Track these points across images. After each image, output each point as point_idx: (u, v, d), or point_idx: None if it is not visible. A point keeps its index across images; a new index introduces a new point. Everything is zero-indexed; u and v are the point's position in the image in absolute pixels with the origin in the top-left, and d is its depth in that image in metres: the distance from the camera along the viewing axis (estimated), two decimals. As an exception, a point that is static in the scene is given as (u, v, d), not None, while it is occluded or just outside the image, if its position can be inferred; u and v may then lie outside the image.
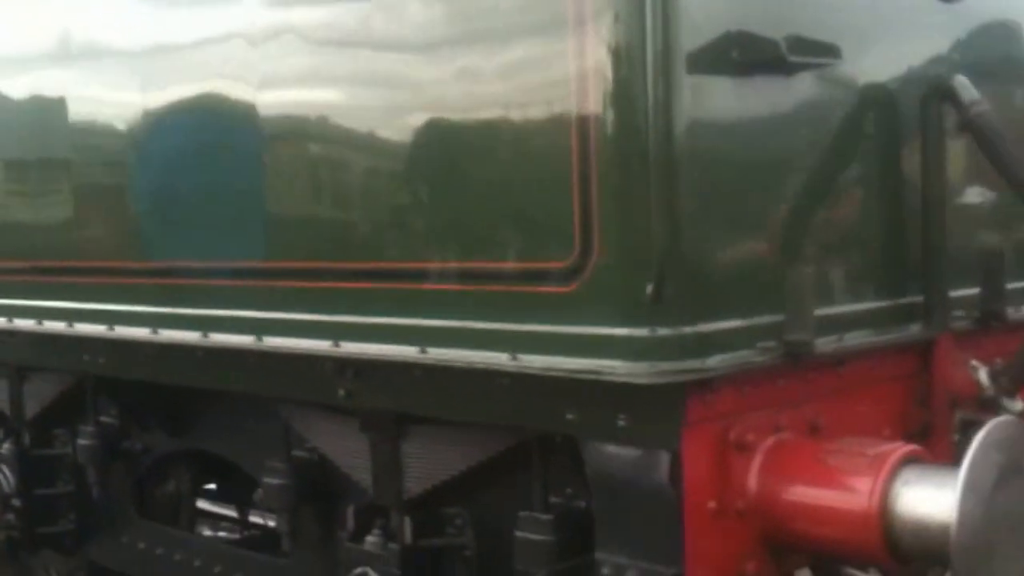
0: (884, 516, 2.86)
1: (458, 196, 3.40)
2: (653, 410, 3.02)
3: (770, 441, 3.13)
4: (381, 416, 3.86)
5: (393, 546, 3.88)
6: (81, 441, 5.39)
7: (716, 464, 3.05)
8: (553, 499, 3.54)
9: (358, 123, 3.69)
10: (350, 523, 4.11)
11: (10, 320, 5.24)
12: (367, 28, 3.61)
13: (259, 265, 4.02)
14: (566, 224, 3.10)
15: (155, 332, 4.43)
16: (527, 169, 3.22)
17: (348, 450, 4.07)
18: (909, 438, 3.65)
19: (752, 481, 3.09)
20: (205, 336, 4.20)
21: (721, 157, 3.11)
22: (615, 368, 2.97)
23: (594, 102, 3.03)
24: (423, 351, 3.44)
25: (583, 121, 3.05)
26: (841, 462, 2.97)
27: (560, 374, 3.07)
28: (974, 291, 3.79)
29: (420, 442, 3.83)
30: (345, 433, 4.05)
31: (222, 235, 4.20)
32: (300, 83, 3.84)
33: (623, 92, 2.99)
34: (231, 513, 6.49)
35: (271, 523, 5.49)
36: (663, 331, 2.98)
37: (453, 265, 3.39)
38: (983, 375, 3.62)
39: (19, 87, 5.18)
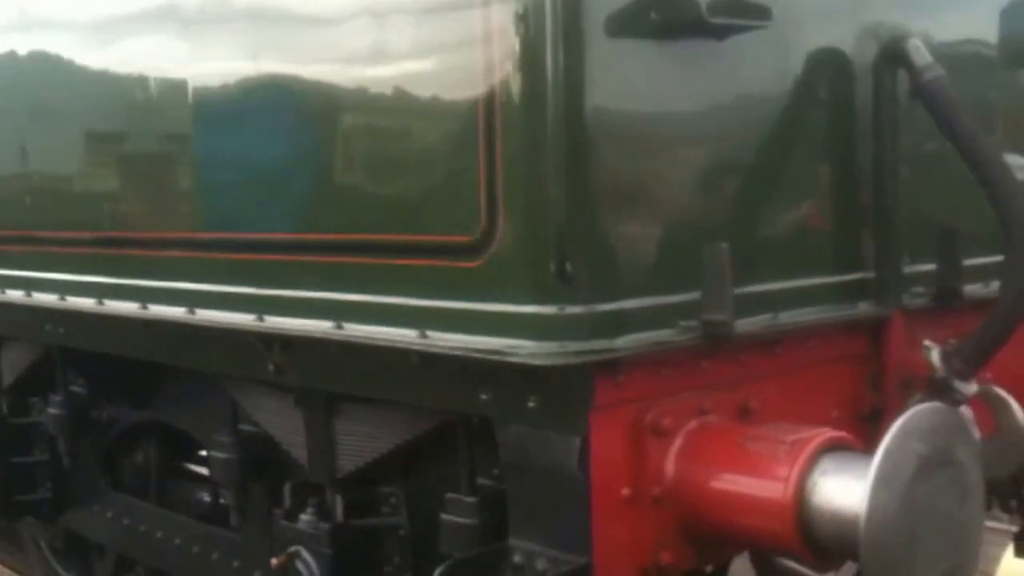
0: (800, 507, 2.69)
1: (368, 166, 3.26)
2: (562, 392, 2.87)
3: (690, 426, 2.97)
4: (314, 392, 3.75)
5: (324, 525, 3.77)
6: (50, 410, 5.35)
7: (630, 449, 2.89)
8: (481, 481, 3.40)
9: (276, 95, 3.55)
10: (286, 500, 4.00)
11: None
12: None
13: (191, 236, 3.92)
14: (473, 196, 2.94)
15: (100, 303, 4.35)
16: (435, 139, 3.07)
17: (286, 426, 3.97)
18: (860, 421, 3.50)
19: (669, 467, 2.93)
20: (144, 308, 4.11)
21: (637, 127, 2.92)
22: (517, 348, 2.82)
23: (499, 67, 2.86)
24: (339, 326, 3.31)
25: (489, 88, 2.88)
26: (759, 449, 2.80)
27: (461, 353, 2.93)
28: (931, 268, 3.59)
29: (352, 419, 3.72)
30: (283, 409, 3.95)
31: (159, 205, 4.11)
32: (223, 56, 3.72)
33: (527, 56, 2.81)
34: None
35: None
36: (573, 309, 2.82)
37: (365, 238, 3.25)
38: (935, 356, 3.41)
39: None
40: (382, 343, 3.13)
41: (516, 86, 2.83)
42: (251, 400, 4.12)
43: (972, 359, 3.36)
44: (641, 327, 2.90)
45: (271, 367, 3.72)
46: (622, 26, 2.86)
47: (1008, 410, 3.51)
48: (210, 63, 3.78)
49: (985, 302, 3.68)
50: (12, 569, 6.60)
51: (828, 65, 3.39)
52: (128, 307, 4.18)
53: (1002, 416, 3.52)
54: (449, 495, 3.38)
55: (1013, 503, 3.87)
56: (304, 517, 3.86)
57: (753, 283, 3.14)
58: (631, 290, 2.91)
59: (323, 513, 3.85)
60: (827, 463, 2.72)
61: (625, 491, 2.89)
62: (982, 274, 3.67)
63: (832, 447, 2.77)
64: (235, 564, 4.47)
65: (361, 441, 3.71)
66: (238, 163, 3.71)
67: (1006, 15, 3.94)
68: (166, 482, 5.43)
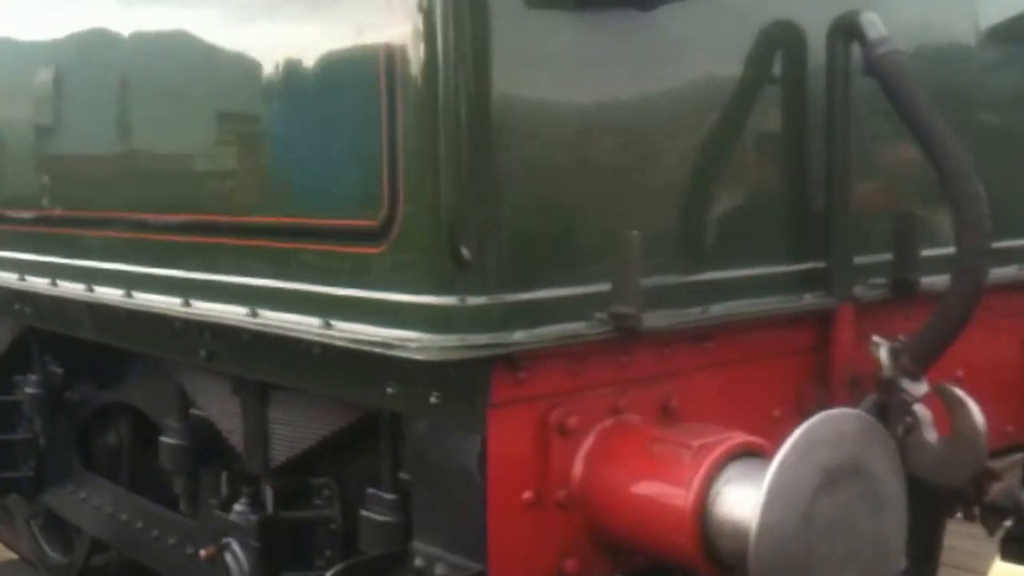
0: (701, 518, 2.51)
1: (276, 146, 3.12)
2: (461, 388, 2.72)
3: (602, 426, 2.80)
4: (247, 379, 3.64)
5: (253, 517, 3.67)
6: (27, 389, 5.31)
7: (533, 450, 2.73)
8: (404, 476, 3.27)
9: (184, 75, 3.44)
10: (223, 489, 3.90)
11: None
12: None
13: (127, 216, 3.81)
14: (375, 179, 2.79)
15: (54, 284, 4.27)
16: (340, 118, 2.91)
17: (225, 413, 3.86)
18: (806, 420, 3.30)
19: (577, 470, 2.76)
20: (90, 290, 4.02)
21: (549, 107, 2.75)
22: (411, 341, 2.67)
23: (398, 41, 2.70)
24: (254, 313, 3.18)
25: (389, 65, 2.73)
26: (664, 453, 2.62)
27: (353, 346, 2.78)
28: (885, 257, 3.38)
29: (284, 408, 3.60)
30: (222, 396, 3.84)
31: (99, 183, 4.02)
32: (126, 34, 3.63)
33: (425, 29, 2.65)
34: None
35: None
36: (476, 300, 2.66)
37: (276, 221, 3.12)
38: (883, 353, 3.20)
39: None
40: (284, 332, 3.00)
41: (413, 61, 2.67)
42: (194, 385, 4.02)
43: (921, 357, 3.16)
44: (552, 319, 2.74)
45: (203, 353, 3.61)
46: None
47: (965, 411, 3.28)
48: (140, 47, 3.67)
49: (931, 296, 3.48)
50: (6, 545, 6.61)
51: (774, 39, 3.19)
52: (75, 288, 4.10)
53: (958, 418, 3.30)
54: (370, 490, 3.26)
55: (976, 510, 3.65)
56: (237, 507, 3.76)
57: (680, 273, 2.97)
58: (541, 281, 2.74)
59: (257, 504, 3.75)
60: (734, 471, 2.53)
61: (527, 494, 2.73)
62: (947, 265, 3.45)
63: (743, 453, 2.59)
64: (188, 551, 4.39)
65: (293, 431, 3.59)
66: (162, 141, 3.60)
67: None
68: (139, 463, 5.37)
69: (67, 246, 4.19)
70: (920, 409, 3.33)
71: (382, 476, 3.26)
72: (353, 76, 2.84)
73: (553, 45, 2.76)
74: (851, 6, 3.20)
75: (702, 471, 2.52)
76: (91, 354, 4.92)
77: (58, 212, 4.22)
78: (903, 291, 3.36)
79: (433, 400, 2.78)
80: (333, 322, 2.90)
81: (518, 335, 2.65)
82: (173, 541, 4.50)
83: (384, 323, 2.79)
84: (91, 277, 4.01)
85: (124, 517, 4.90)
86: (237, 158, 3.29)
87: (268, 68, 3.08)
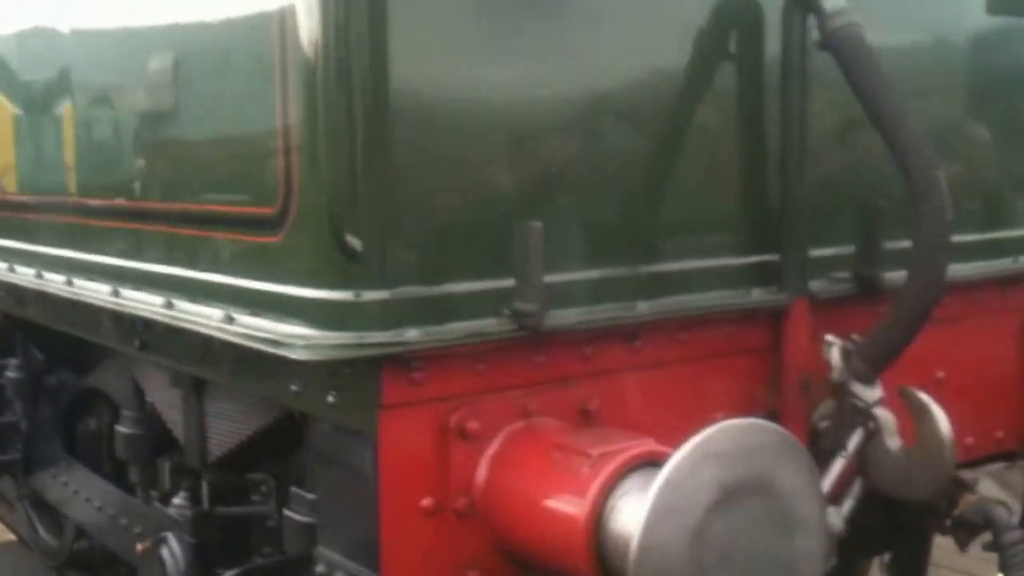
0: (595, 533, 2.31)
1: (180, 127, 2.98)
2: (354, 388, 2.56)
3: (508, 430, 2.61)
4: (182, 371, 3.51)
5: (187, 512, 3.54)
6: (8, 374, 5.27)
7: (433, 455, 2.55)
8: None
9: (97, 61, 3.30)
10: (166, 482, 3.79)
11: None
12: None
13: (62, 200, 3.70)
14: (273, 164, 2.63)
15: (11, 270, 4.19)
16: (241, 102, 2.76)
17: (169, 404, 3.74)
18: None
19: (480, 476, 2.58)
20: (39, 276, 3.93)
21: (456, 85, 2.55)
22: (297, 338, 2.51)
23: (290, 21, 2.53)
24: (169, 304, 3.04)
25: (282, 47, 2.55)
26: (564, 461, 2.43)
27: (242, 342, 2.63)
28: (847, 250, 3.13)
29: (219, 401, 3.46)
30: (165, 386, 3.72)
31: (38, 169, 3.92)
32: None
33: (317, 9, 2.46)
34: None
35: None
36: (371, 295, 2.49)
37: (186, 208, 2.98)
38: (835, 354, 2.97)
39: None
40: (184, 326, 2.85)
41: (303, 34, 2.49)
42: (142, 375, 3.91)
43: (874, 359, 2.92)
44: (459, 316, 2.56)
45: (137, 343, 3.49)
46: None
47: (929, 418, 3.03)
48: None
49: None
50: (8, 527, 6.61)
51: (722, 9, 2.94)
52: (28, 274, 4.02)
53: (922, 425, 3.05)
54: (293, 489, 3.10)
55: (948, 523, 3.39)
56: (175, 501, 3.64)
57: (602, 268, 2.76)
58: (445, 275, 2.56)
59: (196, 499, 3.62)
60: (633, 483, 2.33)
61: (426, 501, 2.55)
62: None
63: (647, 463, 2.38)
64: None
65: (227, 425, 3.46)
66: (83, 127, 3.48)
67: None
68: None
69: (20, 231, 4.11)
70: (882, 414, 3.09)
71: (305, 474, 3.11)
72: (253, 64, 2.67)
73: (459, 22, 2.57)
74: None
75: (597, 483, 2.32)
76: (68, 339, 4.86)
77: (10, 197, 4.13)
78: (866, 287, 3.11)
79: (330, 400, 2.62)
80: (237, 315, 2.75)
81: (411, 334, 2.47)
82: (139, 530, 4.41)
83: (283, 318, 2.64)
84: (41, 263, 3.92)
85: (98, 504, 4.83)
86: (146, 142, 3.16)
87: (170, 49, 2.94)
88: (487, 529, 2.58)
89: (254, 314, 2.72)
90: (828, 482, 3.02)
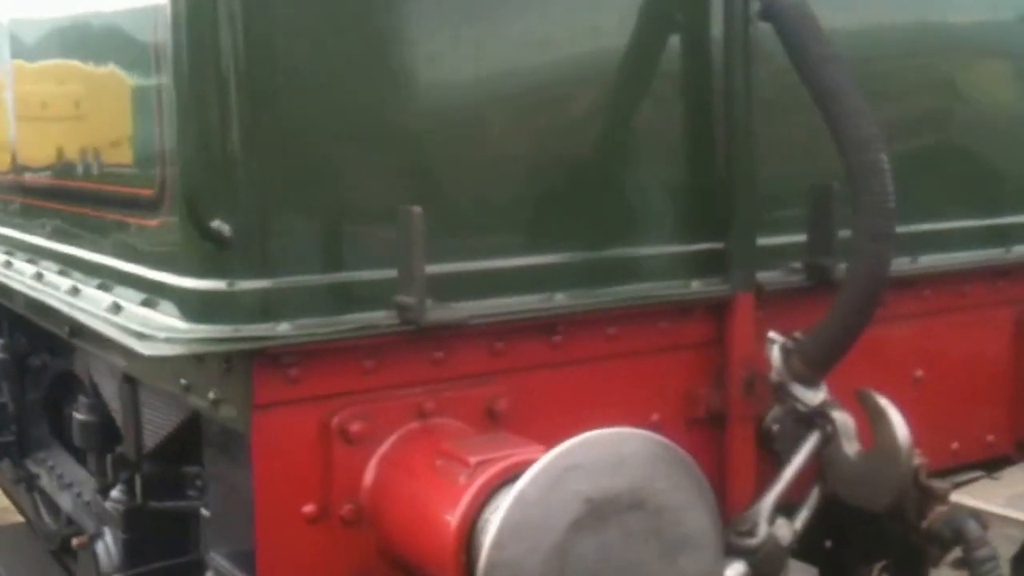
0: (466, 548, 2.10)
1: (72, 106, 2.82)
2: (230, 385, 2.38)
3: (400, 432, 2.42)
4: (116, 359, 3.37)
5: (119, 507, 3.41)
6: (-6, 355, 5.21)
7: (315, 458, 2.37)
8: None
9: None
10: (109, 474, 3.66)
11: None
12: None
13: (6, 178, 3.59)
14: (152, 141, 2.46)
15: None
16: (126, 78, 2.59)
17: (112, 393, 3.61)
18: (696, 426, 2.85)
19: (368, 481, 2.39)
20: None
21: (330, 61, 2.35)
22: (156, 331, 2.34)
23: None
24: (75, 290, 2.90)
25: (154, 20, 2.38)
26: (445, 469, 2.22)
27: (108, 332, 2.47)
28: (798, 239, 2.88)
29: (150, 391, 3.32)
30: (108, 374, 3.59)
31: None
32: None
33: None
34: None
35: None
36: (247, 285, 2.31)
37: (80, 187, 2.83)
38: (775, 352, 2.72)
39: None
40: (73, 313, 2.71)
41: (171, 19, 2.31)
42: (91, 361, 3.79)
43: (815, 359, 2.67)
44: (345, 309, 2.37)
45: (67, 328, 3.35)
46: None
47: (885, 423, 2.78)
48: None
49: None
50: (17, 507, 6.60)
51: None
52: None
53: (878, 431, 2.80)
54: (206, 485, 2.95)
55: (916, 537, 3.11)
56: (113, 494, 3.51)
57: (510, 256, 2.55)
58: (328, 264, 2.37)
59: (132, 491, 3.49)
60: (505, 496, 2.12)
61: (309, 507, 2.37)
62: None
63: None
64: None
65: (158, 415, 3.31)
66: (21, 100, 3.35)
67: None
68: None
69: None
70: (840, 417, 2.85)
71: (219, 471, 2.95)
72: (133, 38, 2.51)
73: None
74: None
75: (469, 494, 2.11)
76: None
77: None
78: (819, 278, 2.86)
79: (211, 396, 2.46)
80: (129, 304, 2.60)
81: (282, 328, 2.29)
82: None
83: (157, 305, 2.48)
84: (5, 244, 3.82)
85: (77, 491, 4.75)
86: (53, 116, 3.01)
87: (72, 33, 2.79)
88: (376, 537, 2.39)
89: (147, 304, 2.56)
90: (777, 490, 2.80)
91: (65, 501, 4.90)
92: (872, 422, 2.81)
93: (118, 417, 3.58)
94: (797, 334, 2.71)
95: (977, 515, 2.97)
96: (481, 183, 2.52)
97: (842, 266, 2.82)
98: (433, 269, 2.40)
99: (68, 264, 3.00)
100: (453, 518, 2.12)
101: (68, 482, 4.86)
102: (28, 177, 3.32)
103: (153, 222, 2.48)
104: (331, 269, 2.36)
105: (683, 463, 2.09)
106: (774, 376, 2.71)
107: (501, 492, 2.12)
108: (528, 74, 2.56)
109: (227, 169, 2.27)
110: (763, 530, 2.74)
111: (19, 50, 3.17)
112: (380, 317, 2.38)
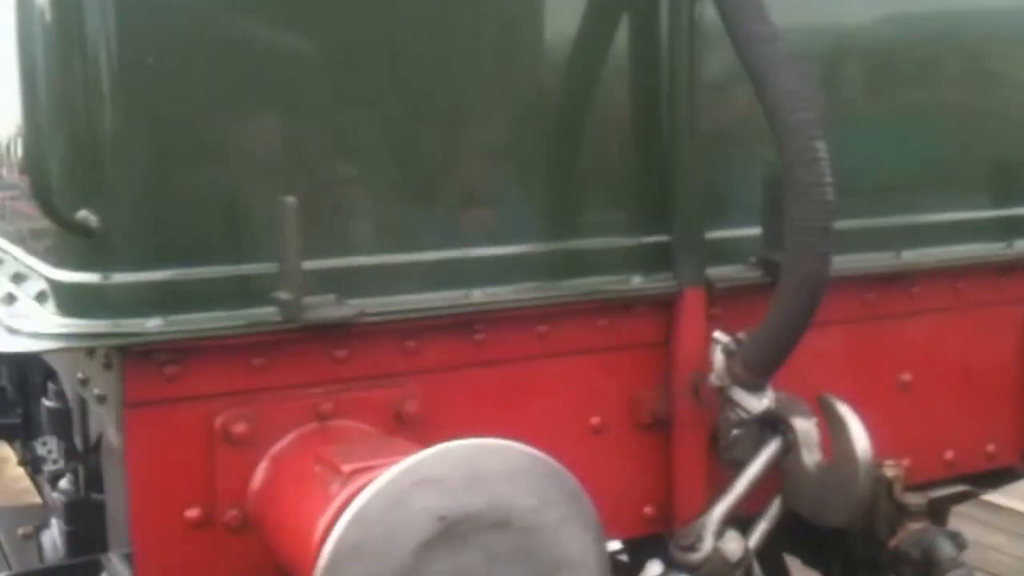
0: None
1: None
2: (108, 383, 2.24)
3: (292, 435, 2.24)
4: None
5: (63, 496, 3.31)
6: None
7: (198, 461, 2.21)
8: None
9: None
10: (61, 463, 3.57)
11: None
12: None
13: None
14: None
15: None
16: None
17: (70, 382, 3.51)
18: (640, 432, 2.64)
19: (256, 485, 2.22)
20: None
21: (198, 44, 2.16)
22: (25, 324, 2.19)
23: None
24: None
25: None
26: (322, 476, 2.04)
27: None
28: (751, 232, 2.64)
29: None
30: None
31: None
32: None
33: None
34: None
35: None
36: (120, 278, 2.16)
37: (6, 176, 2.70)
38: (718, 354, 2.49)
39: None
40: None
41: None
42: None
43: (756, 364, 2.43)
44: (232, 304, 2.20)
45: (12, 318, 3.25)
46: None
47: (844, 434, 2.54)
48: None
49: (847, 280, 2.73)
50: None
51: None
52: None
53: (836, 440, 2.56)
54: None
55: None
56: (61, 485, 3.42)
57: (423, 251, 2.35)
58: (206, 257, 2.19)
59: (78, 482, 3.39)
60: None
61: (192, 512, 2.22)
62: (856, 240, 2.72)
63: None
64: None
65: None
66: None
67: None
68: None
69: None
70: (801, 425, 2.62)
71: None
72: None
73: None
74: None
75: (335, 505, 1.93)
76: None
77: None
78: (774, 273, 2.61)
79: (96, 392, 2.32)
80: (20, 295, 2.46)
81: (152, 323, 2.13)
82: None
83: (51, 300, 2.33)
84: None
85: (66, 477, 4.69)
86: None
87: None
88: (263, 544, 2.23)
89: (40, 297, 2.42)
90: (727, 502, 2.58)
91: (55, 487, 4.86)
92: (832, 432, 2.57)
93: (74, 407, 3.48)
94: (741, 335, 2.48)
95: (954, 535, 2.70)
96: (386, 173, 2.32)
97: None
98: (330, 263, 2.24)
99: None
100: (318, 529, 1.94)
101: (61, 467, 4.80)
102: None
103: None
104: (212, 263, 2.19)
105: (556, 477, 1.89)
106: (714, 380, 2.48)
107: (372, 504, 1.94)
108: (441, 57, 2.36)
109: (92, 158, 2.11)
110: (708, 544, 2.52)
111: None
112: (268, 313, 2.20)
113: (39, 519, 3.52)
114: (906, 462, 2.99)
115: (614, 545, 2.84)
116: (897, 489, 2.75)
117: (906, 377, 2.99)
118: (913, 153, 2.92)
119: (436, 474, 1.77)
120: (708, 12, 2.48)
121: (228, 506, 2.21)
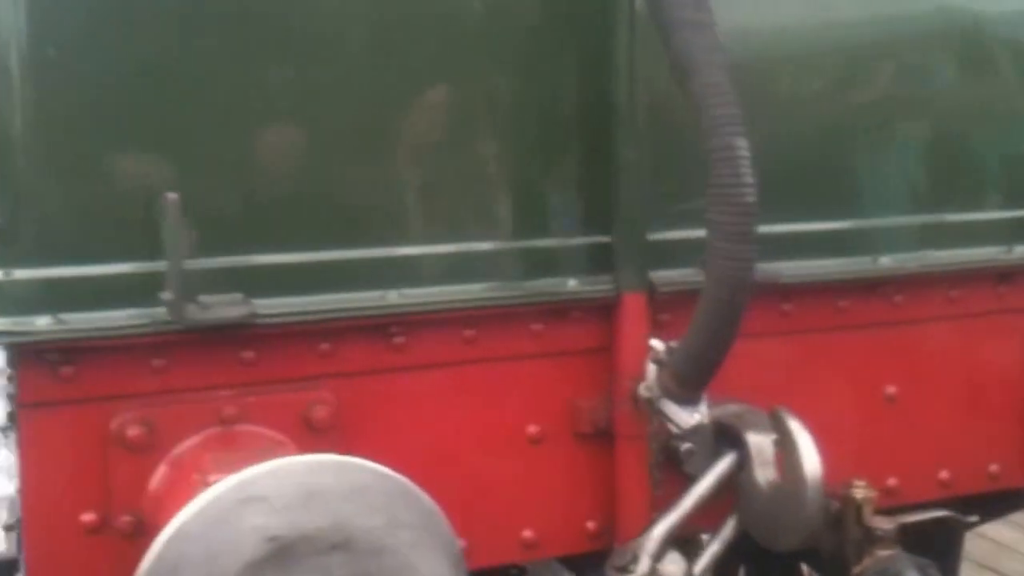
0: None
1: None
2: (14, 381, 2.20)
3: (192, 439, 2.18)
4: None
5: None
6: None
7: (93, 464, 2.15)
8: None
9: None
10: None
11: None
12: None
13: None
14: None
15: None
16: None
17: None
18: (583, 442, 2.51)
19: (153, 490, 2.16)
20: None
21: (97, 39, 2.10)
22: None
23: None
24: None
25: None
26: (196, 484, 1.97)
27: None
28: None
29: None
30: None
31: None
32: None
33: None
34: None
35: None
36: (17, 275, 2.12)
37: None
38: (649, 364, 2.34)
39: None
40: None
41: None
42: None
43: (684, 376, 2.28)
44: (130, 303, 2.14)
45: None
46: None
47: (793, 451, 2.37)
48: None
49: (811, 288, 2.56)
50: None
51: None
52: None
53: (787, 457, 2.39)
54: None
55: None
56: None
57: (333, 249, 2.26)
58: (103, 255, 2.13)
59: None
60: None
61: (87, 517, 2.16)
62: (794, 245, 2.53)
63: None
64: None
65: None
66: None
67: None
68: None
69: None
70: (754, 440, 2.46)
71: None
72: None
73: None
74: None
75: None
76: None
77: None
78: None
79: (9, 392, 2.28)
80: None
81: (41, 322, 2.08)
82: None
83: None
84: None
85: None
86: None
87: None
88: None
89: None
90: (670, 520, 2.43)
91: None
92: (783, 449, 2.40)
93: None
94: (673, 344, 2.33)
95: (924, 566, 2.50)
96: (300, 169, 2.24)
97: (779, 265, 2.44)
98: (235, 261, 2.17)
99: None
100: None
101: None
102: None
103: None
104: (106, 260, 2.13)
105: (407, 496, 1.78)
106: (643, 391, 2.33)
107: (235, 516, 1.86)
108: (363, 49, 2.26)
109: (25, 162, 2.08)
110: (644, 566, 2.38)
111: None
112: (162, 313, 2.14)
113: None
114: (892, 481, 2.82)
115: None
116: (867, 512, 2.56)
117: (890, 390, 2.79)
118: (895, 154, 2.72)
119: (266, 492, 1.68)
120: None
121: (122, 511, 2.16)
